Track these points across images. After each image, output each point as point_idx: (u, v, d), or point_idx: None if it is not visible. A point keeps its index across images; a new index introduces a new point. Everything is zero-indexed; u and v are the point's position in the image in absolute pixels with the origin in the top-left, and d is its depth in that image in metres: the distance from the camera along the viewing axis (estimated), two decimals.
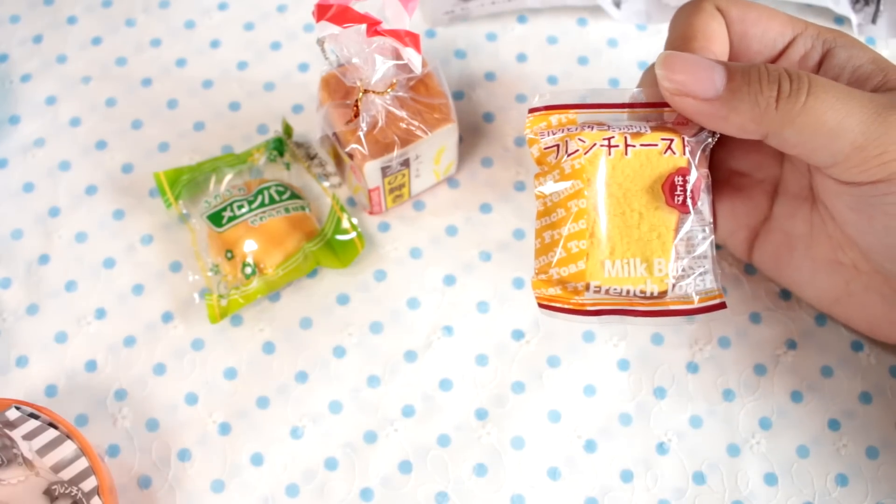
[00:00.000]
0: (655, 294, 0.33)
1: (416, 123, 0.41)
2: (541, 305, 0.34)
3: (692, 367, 0.42)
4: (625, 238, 0.33)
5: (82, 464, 0.37)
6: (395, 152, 0.40)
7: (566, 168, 0.34)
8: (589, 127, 0.34)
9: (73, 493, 0.36)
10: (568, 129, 0.35)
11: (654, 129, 0.34)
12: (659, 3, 0.49)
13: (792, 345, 0.42)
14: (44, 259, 0.44)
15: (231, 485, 0.40)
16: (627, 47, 0.49)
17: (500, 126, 0.47)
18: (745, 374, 0.42)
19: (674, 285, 0.33)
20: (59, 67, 0.49)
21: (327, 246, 0.44)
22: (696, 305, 0.33)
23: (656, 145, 0.34)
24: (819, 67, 0.35)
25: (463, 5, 0.49)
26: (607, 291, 0.33)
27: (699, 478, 0.40)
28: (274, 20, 0.50)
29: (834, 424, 0.41)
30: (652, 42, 0.49)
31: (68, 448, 0.37)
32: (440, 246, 0.45)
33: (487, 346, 0.42)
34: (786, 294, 0.43)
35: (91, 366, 0.42)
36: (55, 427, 0.37)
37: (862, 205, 0.34)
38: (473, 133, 0.47)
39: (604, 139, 0.34)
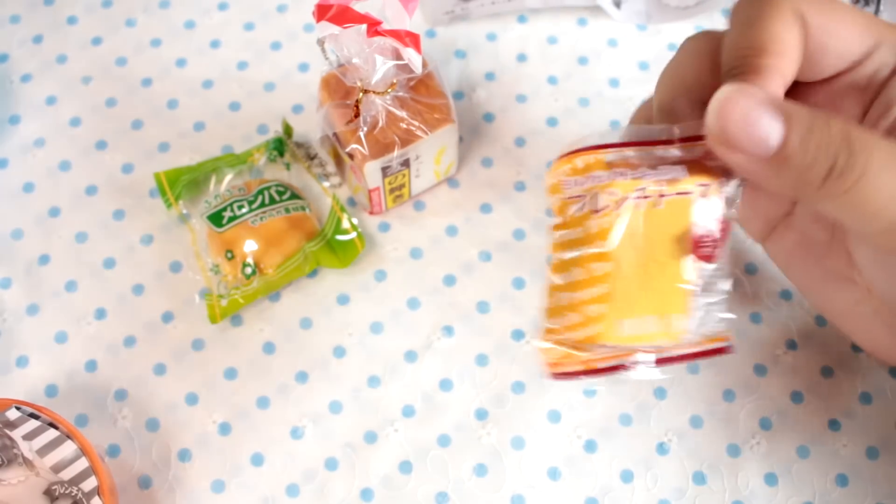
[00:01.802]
0: (667, 346, 0.31)
1: (416, 123, 0.41)
2: (555, 375, 0.32)
3: (692, 368, 0.42)
4: (644, 292, 0.30)
5: (82, 464, 0.37)
6: (396, 152, 0.40)
7: (593, 227, 0.30)
8: (621, 174, 0.30)
9: (73, 494, 0.36)
10: (596, 177, 0.30)
11: (691, 170, 0.30)
12: (659, 3, 0.49)
13: (792, 345, 0.42)
14: (44, 259, 0.44)
15: (231, 485, 0.40)
16: (627, 47, 0.49)
17: (500, 126, 0.47)
18: (745, 374, 0.42)
19: (686, 339, 0.31)
20: (59, 67, 0.49)
21: (327, 246, 0.44)
22: (700, 349, 0.31)
23: (691, 193, 0.30)
24: (884, 85, 0.32)
25: (463, 5, 0.49)
26: (616, 347, 0.31)
27: (699, 478, 0.40)
28: (274, 20, 0.50)
29: (834, 424, 0.41)
30: (652, 42, 0.49)
31: (68, 448, 0.37)
32: (440, 246, 0.45)
33: (487, 346, 0.42)
34: (786, 294, 0.43)
35: (91, 366, 0.42)
36: (55, 427, 0.37)
37: (884, 265, 0.32)
38: (473, 133, 0.47)
39: (637, 190, 0.30)
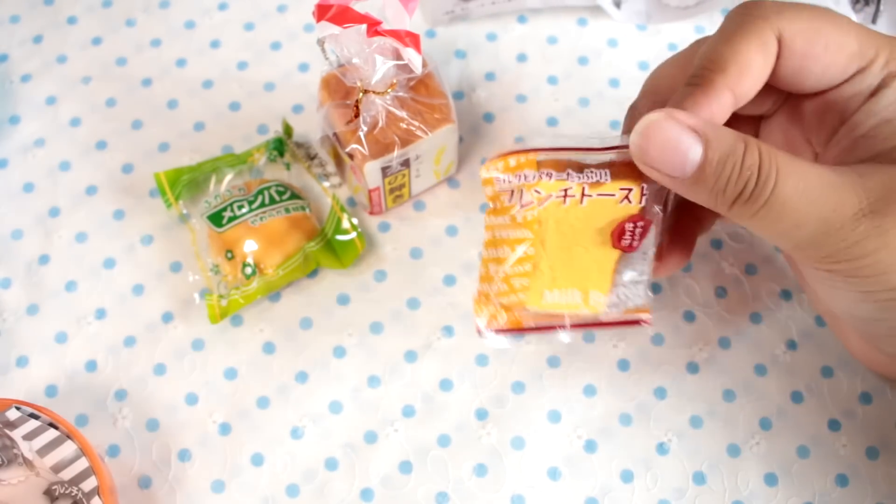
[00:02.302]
0: (588, 316, 0.35)
1: (416, 124, 0.41)
2: (480, 332, 0.36)
3: (692, 367, 0.42)
4: (566, 269, 0.34)
5: (82, 464, 0.37)
6: (396, 152, 0.40)
7: (518, 217, 0.34)
8: (547, 174, 0.33)
9: (73, 494, 0.36)
10: (524, 176, 0.33)
11: (614, 174, 0.33)
12: (659, 3, 0.49)
13: (792, 345, 0.42)
14: (44, 259, 0.44)
15: (231, 485, 0.40)
16: (627, 47, 0.49)
17: (500, 126, 0.47)
18: (745, 374, 0.42)
19: (606, 312, 0.35)
20: (59, 67, 0.49)
21: (327, 246, 0.44)
22: (621, 318, 0.35)
23: (613, 195, 0.33)
24: (862, 105, 0.33)
25: (463, 5, 0.49)
26: (544, 313, 0.35)
27: (699, 478, 0.40)
28: (274, 20, 0.50)
29: (834, 424, 0.41)
30: (652, 42, 0.49)
31: (68, 448, 0.37)
32: (440, 246, 0.45)
33: (487, 346, 0.42)
34: (786, 294, 0.43)
35: (91, 366, 0.42)
36: (55, 427, 0.37)
37: (810, 275, 0.34)
38: (473, 133, 0.47)
39: (560, 190, 0.33)
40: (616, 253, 0.34)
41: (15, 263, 0.44)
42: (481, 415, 0.41)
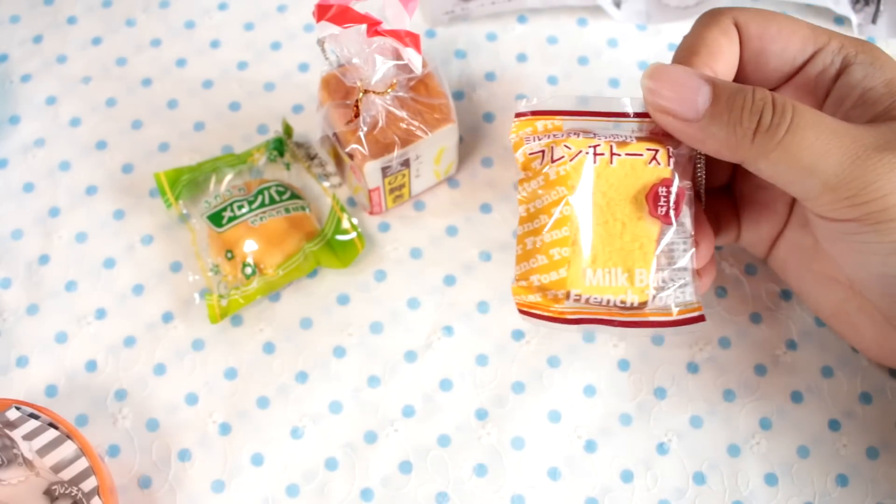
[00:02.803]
0: (636, 304, 0.33)
1: (416, 123, 0.41)
2: (521, 311, 0.34)
3: (692, 367, 0.42)
4: (607, 247, 0.33)
5: (82, 464, 0.37)
6: (396, 152, 0.40)
7: (551, 174, 0.34)
8: (575, 134, 0.34)
9: (73, 494, 0.36)
10: (554, 136, 0.34)
11: (639, 138, 0.34)
12: (659, 3, 0.49)
13: (792, 345, 0.42)
14: (44, 259, 0.44)
15: (231, 485, 0.40)
16: (627, 47, 0.49)
17: (500, 126, 0.47)
18: (745, 374, 0.42)
19: (654, 296, 0.33)
20: (59, 67, 0.49)
21: (327, 246, 0.44)
22: (674, 317, 0.33)
23: (641, 155, 0.33)
24: (833, 83, 0.35)
25: (463, 5, 0.49)
26: (587, 301, 0.33)
27: (699, 478, 0.40)
28: (274, 20, 0.50)
29: (834, 424, 0.41)
30: (652, 42, 0.49)
31: (68, 448, 0.37)
32: (440, 246, 0.45)
33: (487, 346, 0.42)
34: (786, 294, 0.43)
35: (91, 366, 0.42)
36: (55, 427, 0.37)
37: (836, 238, 0.34)
38: (473, 133, 0.47)
39: (589, 146, 0.33)
40: (655, 229, 0.33)
41: (15, 263, 0.44)
42: (481, 415, 0.41)
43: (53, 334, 0.43)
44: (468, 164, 0.46)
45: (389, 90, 0.40)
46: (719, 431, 0.41)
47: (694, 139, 0.33)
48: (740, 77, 0.36)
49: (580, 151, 0.33)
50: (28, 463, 0.36)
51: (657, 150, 0.33)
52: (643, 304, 0.33)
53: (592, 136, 0.34)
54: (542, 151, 0.34)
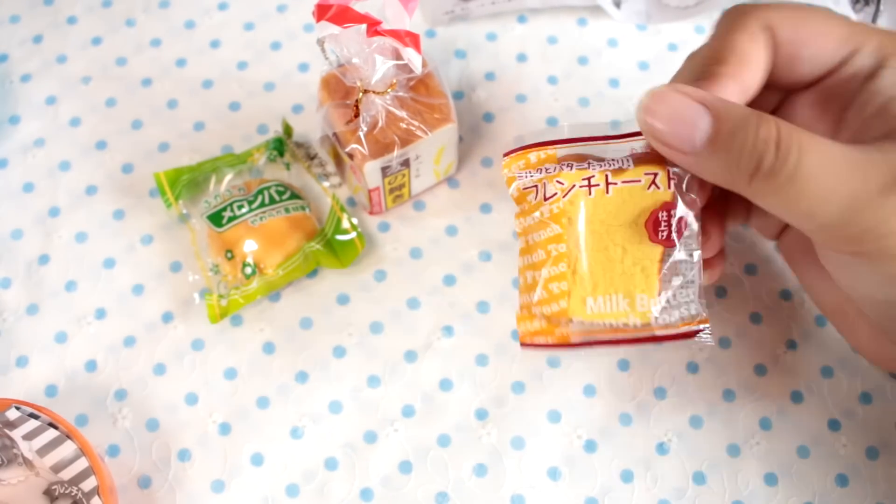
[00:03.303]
0: (639, 326, 0.33)
1: (416, 123, 0.41)
2: (524, 345, 0.34)
3: (692, 367, 0.42)
4: (608, 273, 0.33)
5: (82, 464, 0.37)
6: (395, 152, 0.40)
7: (545, 212, 0.33)
8: (567, 166, 0.33)
9: (73, 494, 0.36)
10: (546, 170, 0.33)
11: (637, 161, 0.33)
12: (659, 3, 0.49)
13: (792, 345, 0.42)
14: (44, 259, 0.44)
15: (231, 485, 0.40)
16: (627, 47, 0.49)
17: (500, 126, 0.47)
18: (745, 374, 0.42)
19: (657, 317, 0.33)
20: (59, 67, 0.49)
21: (327, 246, 0.44)
22: (680, 331, 0.33)
23: (639, 181, 0.32)
24: (862, 87, 0.33)
25: (463, 5, 0.49)
26: (591, 324, 0.33)
27: (699, 478, 0.40)
28: (274, 20, 0.50)
29: (834, 424, 0.41)
30: (652, 42, 0.49)
31: (68, 448, 0.37)
32: (440, 246, 0.45)
33: (487, 346, 0.42)
34: (786, 294, 0.43)
35: (91, 366, 0.42)
36: (55, 427, 0.37)
37: (830, 258, 0.33)
38: (473, 133, 0.47)
39: (583, 179, 0.32)
40: (657, 250, 0.32)
41: (15, 263, 0.44)
42: (481, 415, 0.41)
43: (53, 334, 0.43)
44: (468, 164, 0.46)
45: (389, 90, 0.40)
46: (719, 431, 0.41)
47: (690, 168, 0.32)
48: (770, 81, 0.34)
49: (573, 186, 0.32)
50: (28, 463, 0.36)
51: (656, 174, 0.32)
52: (646, 325, 0.33)
53: (587, 165, 0.33)
54: (535, 186, 0.33)
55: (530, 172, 0.34)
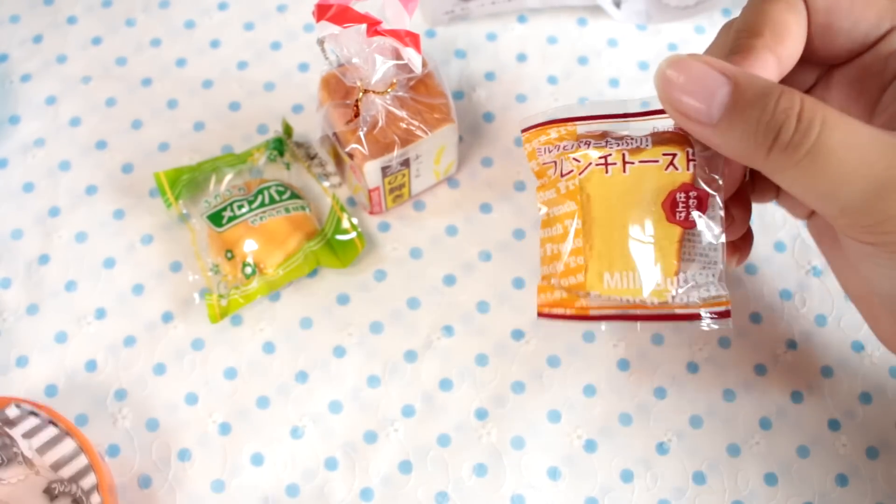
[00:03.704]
0: (655, 304, 0.32)
1: (416, 123, 0.41)
2: (541, 314, 0.34)
3: (692, 367, 0.42)
4: (624, 251, 0.32)
5: (82, 461, 0.37)
6: (395, 152, 0.40)
7: (561, 188, 0.33)
8: (585, 143, 0.33)
9: (72, 492, 0.36)
10: (564, 147, 0.33)
11: (656, 142, 0.32)
12: (659, 3, 0.49)
13: (792, 345, 0.42)
14: (44, 259, 0.44)
15: (231, 485, 0.40)
16: (627, 47, 0.49)
17: (500, 126, 0.47)
18: (745, 374, 0.42)
19: (673, 297, 0.32)
20: (59, 67, 0.49)
21: (327, 246, 0.44)
22: (700, 311, 0.32)
23: (657, 161, 0.32)
24: None
25: (463, 5, 0.49)
26: (609, 299, 0.33)
27: (699, 478, 0.40)
28: (274, 20, 0.50)
29: (834, 424, 0.41)
30: (652, 42, 0.49)
31: (68, 446, 0.37)
32: (440, 246, 0.45)
33: (487, 346, 0.42)
34: (786, 294, 0.43)
35: (91, 366, 0.42)
36: (55, 424, 0.37)
37: (852, 247, 0.32)
38: (473, 133, 0.47)
39: (600, 157, 0.32)
40: (676, 230, 0.32)
41: (15, 263, 0.44)
42: (481, 415, 0.41)
43: (53, 334, 0.43)
44: (468, 164, 0.46)
45: (389, 90, 0.40)
46: (719, 431, 0.41)
47: (708, 141, 0.30)
48: (804, 55, 0.32)
49: (589, 164, 0.33)
50: (28, 461, 0.36)
51: (675, 154, 0.32)
52: (664, 303, 0.32)
53: (604, 143, 0.33)
54: (554, 162, 0.34)
55: (549, 148, 0.34)
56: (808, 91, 0.35)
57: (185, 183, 0.44)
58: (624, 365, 0.42)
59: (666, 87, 0.30)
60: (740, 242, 0.36)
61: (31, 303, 0.43)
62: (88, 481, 0.36)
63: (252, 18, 0.50)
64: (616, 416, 0.41)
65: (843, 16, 0.31)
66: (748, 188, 0.36)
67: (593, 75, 0.49)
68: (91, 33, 0.50)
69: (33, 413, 0.37)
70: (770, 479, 0.40)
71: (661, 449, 0.40)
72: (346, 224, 0.44)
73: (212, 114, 0.48)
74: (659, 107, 0.32)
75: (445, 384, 0.42)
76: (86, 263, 0.44)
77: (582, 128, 0.34)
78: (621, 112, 0.33)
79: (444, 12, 0.49)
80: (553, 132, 0.34)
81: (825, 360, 0.42)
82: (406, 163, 0.42)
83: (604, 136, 0.33)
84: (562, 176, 0.33)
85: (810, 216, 0.38)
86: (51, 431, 0.37)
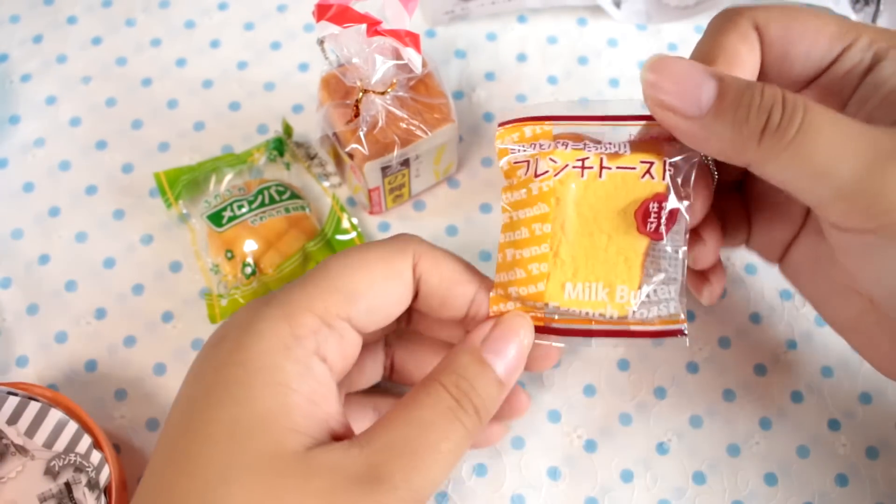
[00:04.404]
0: (615, 318, 0.32)
1: (416, 123, 0.41)
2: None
3: (692, 367, 0.42)
4: (590, 260, 0.32)
5: (72, 428, 0.36)
6: (395, 152, 0.40)
7: (533, 189, 0.32)
8: (563, 144, 0.32)
9: (72, 461, 0.36)
10: (541, 145, 0.32)
11: (634, 148, 0.32)
12: (659, 3, 0.49)
13: (792, 345, 0.42)
14: (44, 259, 0.44)
15: None
16: (627, 47, 0.49)
17: None
18: (745, 374, 0.42)
19: (635, 311, 0.32)
20: (59, 67, 0.49)
21: (327, 246, 0.44)
22: (655, 328, 0.32)
23: (634, 168, 0.31)
24: (861, 82, 0.32)
25: (463, 5, 0.49)
26: (567, 311, 0.32)
27: (699, 478, 0.40)
28: (274, 20, 0.50)
29: (834, 424, 0.41)
30: (652, 42, 0.49)
31: (54, 417, 0.36)
32: (440, 246, 0.45)
33: None
34: (786, 294, 0.43)
35: (91, 366, 0.42)
36: (35, 399, 0.37)
37: (851, 250, 0.32)
38: (473, 133, 0.47)
39: (577, 160, 0.32)
40: (644, 242, 0.31)
41: (15, 263, 0.44)
42: None
43: (53, 334, 0.43)
44: (468, 164, 0.46)
45: (389, 90, 0.40)
46: (719, 431, 0.41)
47: (696, 138, 0.30)
48: (765, 80, 0.33)
49: (566, 165, 0.32)
50: (20, 449, 0.36)
51: (652, 163, 0.31)
52: (623, 318, 0.32)
53: (582, 146, 0.32)
54: (527, 161, 0.32)
55: (524, 147, 0.33)
56: None
57: (185, 183, 0.44)
58: (624, 365, 0.42)
59: (652, 83, 0.30)
60: (711, 275, 0.36)
61: (30, 303, 0.43)
62: (84, 444, 0.36)
63: (252, 18, 0.50)
64: (616, 416, 0.41)
65: (797, 44, 0.32)
66: (718, 214, 0.36)
67: (593, 75, 0.49)
68: (91, 33, 0.50)
69: (12, 393, 0.37)
70: (770, 479, 0.40)
71: (661, 449, 0.40)
72: (346, 224, 0.44)
73: (212, 114, 0.48)
74: (638, 112, 0.32)
75: None
76: (86, 263, 0.44)
77: (558, 128, 0.33)
78: (601, 114, 0.33)
79: (444, 12, 0.49)
80: (528, 130, 0.33)
81: (825, 360, 0.42)
82: (406, 163, 0.42)
83: (580, 138, 0.33)
84: (535, 176, 0.32)
85: (782, 258, 0.38)
86: (34, 407, 0.36)
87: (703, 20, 0.50)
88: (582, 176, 0.32)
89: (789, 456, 0.40)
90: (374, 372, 0.37)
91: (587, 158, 0.32)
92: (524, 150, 0.33)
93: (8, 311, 0.43)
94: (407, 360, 0.38)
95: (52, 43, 0.50)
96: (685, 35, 0.50)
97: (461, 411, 0.30)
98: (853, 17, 0.48)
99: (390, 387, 0.39)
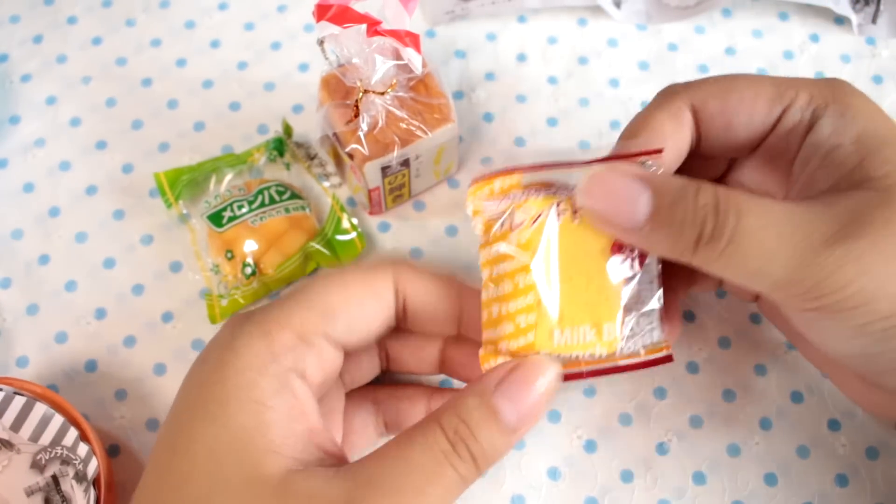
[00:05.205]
0: (604, 356, 0.32)
1: (416, 123, 0.41)
2: None
3: (692, 367, 0.42)
4: (573, 304, 0.32)
5: (58, 421, 0.36)
6: (395, 152, 0.40)
7: (513, 240, 0.32)
8: (535, 192, 0.33)
9: (59, 454, 0.35)
10: (513, 197, 0.33)
11: None
12: (659, 3, 0.49)
13: (792, 345, 0.42)
14: (44, 259, 0.44)
15: None
16: (627, 47, 0.49)
17: (500, 126, 0.47)
18: (745, 374, 0.42)
19: (622, 347, 0.32)
20: (59, 67, 0.49)
21: (327, 246, 0.44)
22: (643, 359, 0.32)
23: None
24: (803, 141, 0.33)
25: (463, 5, 0.49)
26: (558, 357, 0.32)
27: (699, 478, 0.40)
28: (274, 20, 0.50)
29: (834, 424, 0.41)
30: (652, 42, 0.49)
31: (39, 411, 0.36)
32: (440, 246, 0.45)
33: None
34: None
35: (91, 366, 0.42)
36: (21, 394, 0.37)
37: (799, 318, 0.33)
38: (473, 133, 0.47)
39: (550, 207, 0.32)
40: (619, 277, 0.33)
41: (15, 263, 0.44)
42: None
43: (53, 334, 0.43)
44: (468, 164, 0.46)
45: (389, 90, 0.40)
46: (719, 431, 0.41)
47: (639, 245, 0.32)
48: (716, 151, 0.35)
49: (540, 214, 0.32)
50: (5, 444, 0.36)
51: None
52: (612, 354, 0.32)
53: (553, 191, 0.33)
54: (502, 214, 0.33)
55: (496, 202, 0.33)
56: (724, 175, 0.37)
57: (185, 183, 0.44)
58: None
59: (588, 202, 0.31)
60: (670, 315, 0.36)
61: (30, 303, 0.43)
62: (70, 436, 0.36)
63: (252, 18, 0.50)
64: (616, 416, 0.41)
65: (737, 114, 0.33)
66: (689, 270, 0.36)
67: (593, 75, 0.49)
68: (91, 33, 0.50)
69: None
70: (770, 479, 0.40)
71: (661, 449, 0.40)
72: (346, 224, 0.44)
73: (212, 114, 0.48)
74: (600, 154, 0.33)
75: (445, 384, 0.42)
76: (86, 263, 0.44)
77: (527, 178, 0.33)
78: (567, 161, 0.33)
79: (444, 12, 0.49)
80: (497, 184, 0.33)
81: None
82: (406, 163, 0.42)
83: (550, 185, 0.33)
84: (511, 228, 0.33)
85: (757, 298, 0.39)
86: (19, 402, 0.36)
87: (703, 20, 0.50)
88: (557, 220, 0.32)
89: (789, 456, 0.40)
90: (371, 367, 0.38)
91: (560, 202, 0.32)
92: (497, 205, 0.33)
93: (8, 311, 0.43)
94: (401, 350, 0.38)
95: (52, 43, 0.50)
96: (685, 35, 0.50)
97: (456, 457, 0.29)
98: (853, 17, 0.48)
99: (389, 377, 0.40)
